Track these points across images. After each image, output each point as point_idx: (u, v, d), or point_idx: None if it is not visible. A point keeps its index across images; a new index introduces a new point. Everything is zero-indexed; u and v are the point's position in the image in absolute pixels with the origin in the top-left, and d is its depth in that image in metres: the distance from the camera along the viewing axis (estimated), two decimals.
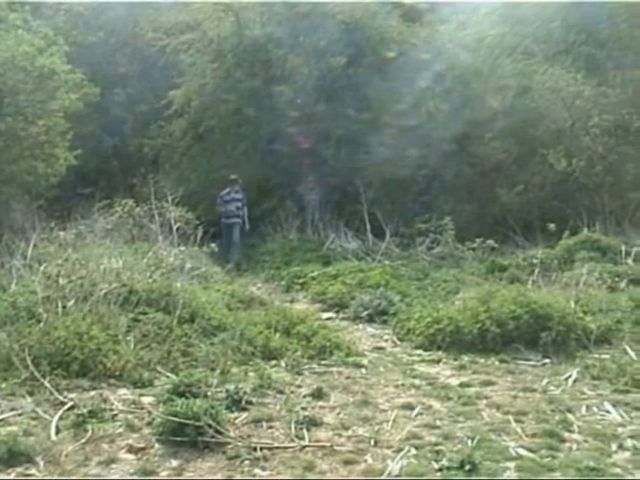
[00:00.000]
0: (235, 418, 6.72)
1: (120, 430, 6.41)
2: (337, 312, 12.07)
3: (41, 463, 5.76)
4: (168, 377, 7.72)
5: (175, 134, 19.97)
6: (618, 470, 5.79)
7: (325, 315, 11.86)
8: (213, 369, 7.93)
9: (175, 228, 12.73)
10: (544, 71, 19.79)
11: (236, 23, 19.43)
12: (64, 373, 7.52)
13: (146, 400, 7.12)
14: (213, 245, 11.92)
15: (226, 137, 19.41)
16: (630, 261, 14.07)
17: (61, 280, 8.73)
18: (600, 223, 16.65)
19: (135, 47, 21.56)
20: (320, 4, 19.26)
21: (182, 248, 11.78)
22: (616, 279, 12.72)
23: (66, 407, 6.80)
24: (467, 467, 5.71)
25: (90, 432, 6.27)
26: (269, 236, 17.93)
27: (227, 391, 7.18)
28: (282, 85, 19.37)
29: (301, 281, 14.18)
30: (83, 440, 6.13)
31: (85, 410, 6.57)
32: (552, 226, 15.51)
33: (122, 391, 7.43)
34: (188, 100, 19.40)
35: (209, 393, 6.99)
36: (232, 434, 6.27)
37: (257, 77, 19.31)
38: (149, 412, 6.72)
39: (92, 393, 7.25)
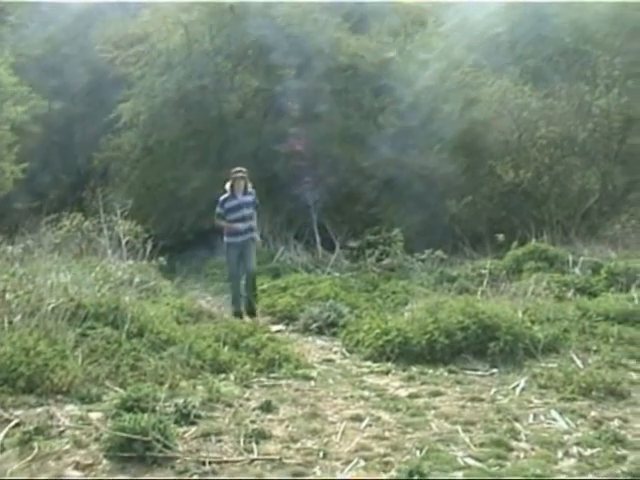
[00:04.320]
0: (184, 432, 6.65)
1: (67, 447, 6.30)
2: (286, 324, 12.06)
3: None
4: (116, 392, 7.64)
5: (124, 147, 19.90)
6: (564, 477, 5.86)
7: (274, 328, 11.83)
8: (162, 383, 7.85)
9: (124, 242, 12.65)
10: (492, 83, 20.03)
11: (185, 36, 19.41)
12: (10, 389, 7.37)
13: (94, 416, 7.02)
14: (162, 258, 11.89)
15: (175, 149, 19.37)
16: (577, 270, 14.24)
17: (8, 295, 8.63)
18: (547, 233, 16.83)
19: (84, 60, 21.44)
20: (269, 17, 19.34)
21: (131, 262, 11.74)
22: (563, 288, 12.88)
23: (12, 424, 6.67)
24: (416, 477, 5.72)
25: (36, 450, 6.16)
26: (219, 249, 17.83)
27: (176, 405, 7.12)
28: (231, 97, 19.40)
29: None
30: (29, 458, 6.03)
31: (31, 427, 6.46)
32: (500, 236, 15.73)
33: (69, 407, 7.30)
34: (137, 113, 19.34)
35: (157, 407, 6.94)
36: (180, 448, 6.23)
37: (206, 90, 19.31)
38: (97, 428, 6.65)
39: (39, 410, 7.10)
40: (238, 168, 12.72)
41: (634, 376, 8.70)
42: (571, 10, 21.55)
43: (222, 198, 12.65)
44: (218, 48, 19.47)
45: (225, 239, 12.83)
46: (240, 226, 12.55)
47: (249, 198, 12.72)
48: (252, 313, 12.53)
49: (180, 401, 7.22)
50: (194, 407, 7.17)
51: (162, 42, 19.80)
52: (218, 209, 12.69)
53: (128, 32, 21.28)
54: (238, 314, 12.42)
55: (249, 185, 12.83)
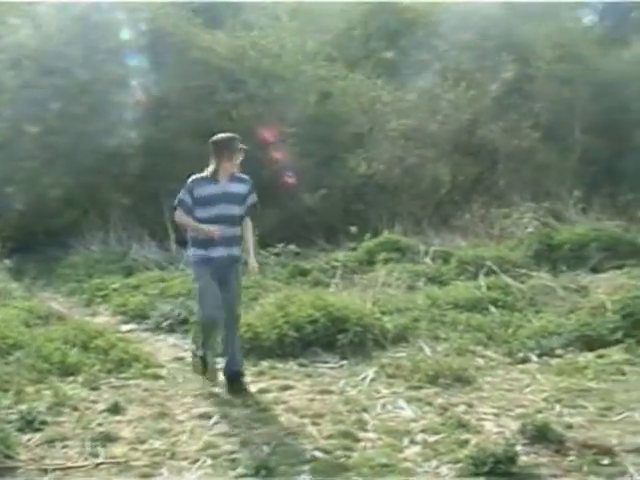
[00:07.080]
0: (28, 440, 6.53)
1: None
2: (138, 323, 11.84)
3: None
4: None
5: None
6: (409, 464, 6.01)
7: (125, 327, 11.65)
8: (6, 390, 7.70)
9: None
10: (345, 77, 20.32)
11: (33, 28, 18.97)
12: None
13: None
14: (7, 260, 11.62)
15: (24, 146, 18.82)
16: (428, 260, 14.50)
17: None
18: (399, 224, 17.11)
19: None
20: (120, 11, 19.11)
21: None
22: (415, 278, 13.13)
23: None
24: (263, 473, 5.79)
25: None
26: (72, 249, 17.49)
27: (20, 412, 6.99)
28: (83, 95, 18.99)
29: (103, 294, 13.78)
30: None
31: None
32: (354, 229, 15.95)
33: None
34: None
35: (0, 415, 6.83)
36: (23, 457, 6.12)
37: (56, 85, 18.84)
38: None
39: None
40: (231, 134, 8.05)
41: (481, 362, 9.01)
42: (424, 5, 22.18)
43: (192, 179, 7.72)
44: (68, 42, 19.03)
45: (191, 251, 7.91)
46: (216, 231, 7.55)
47: (240, 188, 7.83)
48: (239, 375, 8.12)
49: (24, 407, 7.10)
50: (39, 413, 7.05)
51: (9, 35, 19.25)
52: (182, 195, 7.74)
53: None
54: (212, 373, 8.19)
55: (238, 167, 7.94)
